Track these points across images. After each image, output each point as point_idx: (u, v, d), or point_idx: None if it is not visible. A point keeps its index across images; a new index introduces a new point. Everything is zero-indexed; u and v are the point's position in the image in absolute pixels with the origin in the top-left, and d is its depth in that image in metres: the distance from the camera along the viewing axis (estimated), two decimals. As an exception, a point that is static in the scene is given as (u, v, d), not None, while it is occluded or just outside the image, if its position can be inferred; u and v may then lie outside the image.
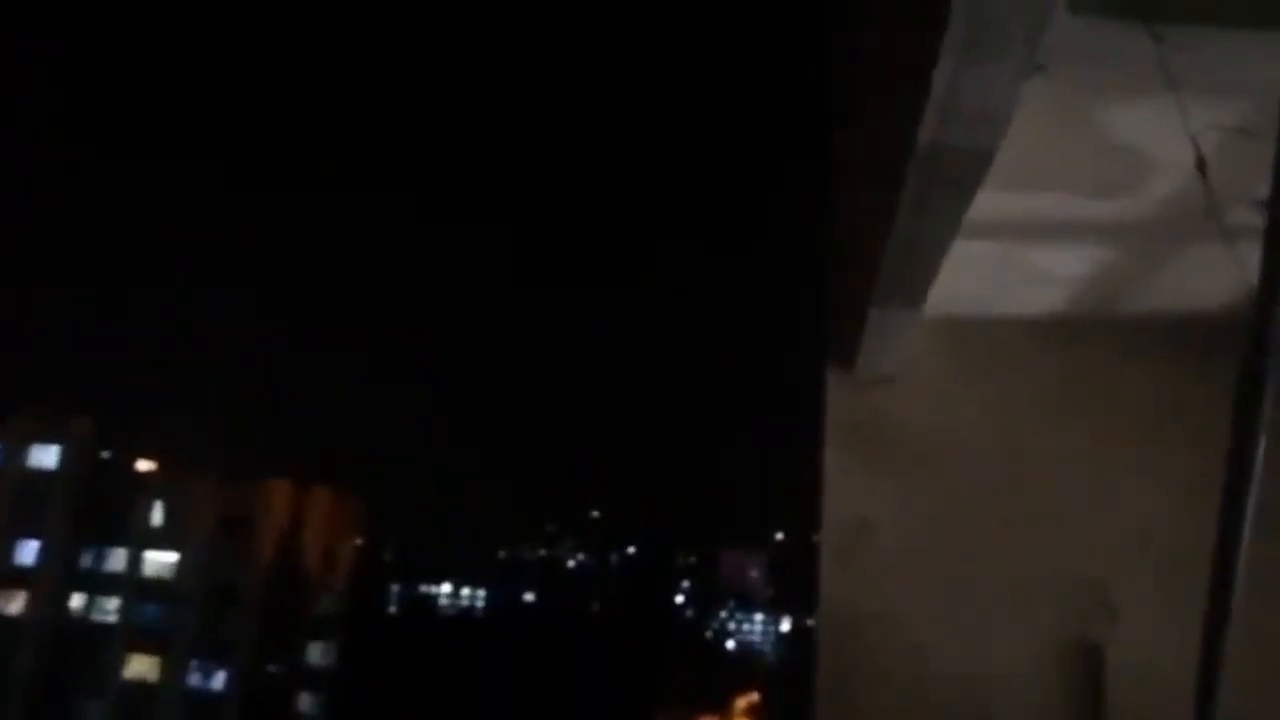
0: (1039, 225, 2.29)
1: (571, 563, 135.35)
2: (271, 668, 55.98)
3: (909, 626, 2.53)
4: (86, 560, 57.99)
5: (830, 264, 2.82)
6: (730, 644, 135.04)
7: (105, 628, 56.61)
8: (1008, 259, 2.43)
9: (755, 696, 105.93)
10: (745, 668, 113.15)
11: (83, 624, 57.06)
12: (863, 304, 2.42)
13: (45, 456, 59.41)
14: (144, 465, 61.43)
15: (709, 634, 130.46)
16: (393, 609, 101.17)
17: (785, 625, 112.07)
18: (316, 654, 58.78)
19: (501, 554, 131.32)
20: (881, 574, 2.66)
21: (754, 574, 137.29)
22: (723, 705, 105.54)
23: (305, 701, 57.37)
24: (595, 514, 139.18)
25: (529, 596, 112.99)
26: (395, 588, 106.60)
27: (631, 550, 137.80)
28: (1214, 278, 2.32)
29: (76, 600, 57.70)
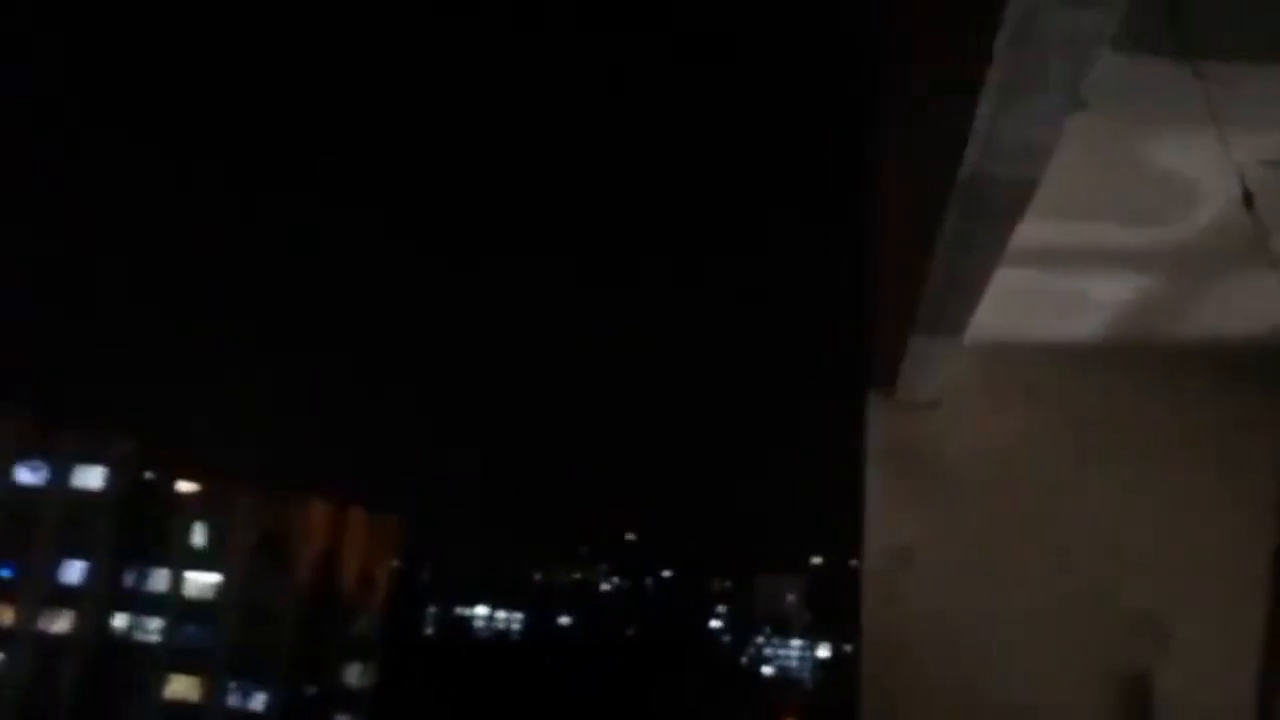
0: (1081, 253, 2.31)
1: (606, 586, 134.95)
2: (309, 688, 56.29)
3: (952, 653, 2.52)
4: (130, 580, 58.76)
5: (873, 292, 2.85)
6: (767, 670, 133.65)
7: (147, 647, 57.26)
8: (1050, 287, 2.44)
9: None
10: (783, 694, 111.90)
11: (126, 643, 57.75)
12: (904, 331, 2.44)
13: (90, 477, 60.40)
14: (186, 487, 62.23)
15: (745, 659, 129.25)
16: (429, 631, 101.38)
17: (824, 651, 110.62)
18: (354, 675, 59.05)
19: (537, 577, 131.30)
20: (923, 600, 2.65)
21: (791, 599, 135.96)
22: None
23: (342, 722, 57.65)
24: (630, 537, 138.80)
25: (564, 620, 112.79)
26: (431, 609, 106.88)
27: (667, 574, 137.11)
28: (1255, 306, 2.32)
29: (120, 620, 58.42)
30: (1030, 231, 2.12)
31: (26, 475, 60.51)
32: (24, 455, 60.68)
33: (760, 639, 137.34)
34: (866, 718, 2.63)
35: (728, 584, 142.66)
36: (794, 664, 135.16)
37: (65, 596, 58.07)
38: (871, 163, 2.73)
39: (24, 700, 54.48)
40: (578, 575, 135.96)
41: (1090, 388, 2.69)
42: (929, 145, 1.75)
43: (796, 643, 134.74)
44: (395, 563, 66.60)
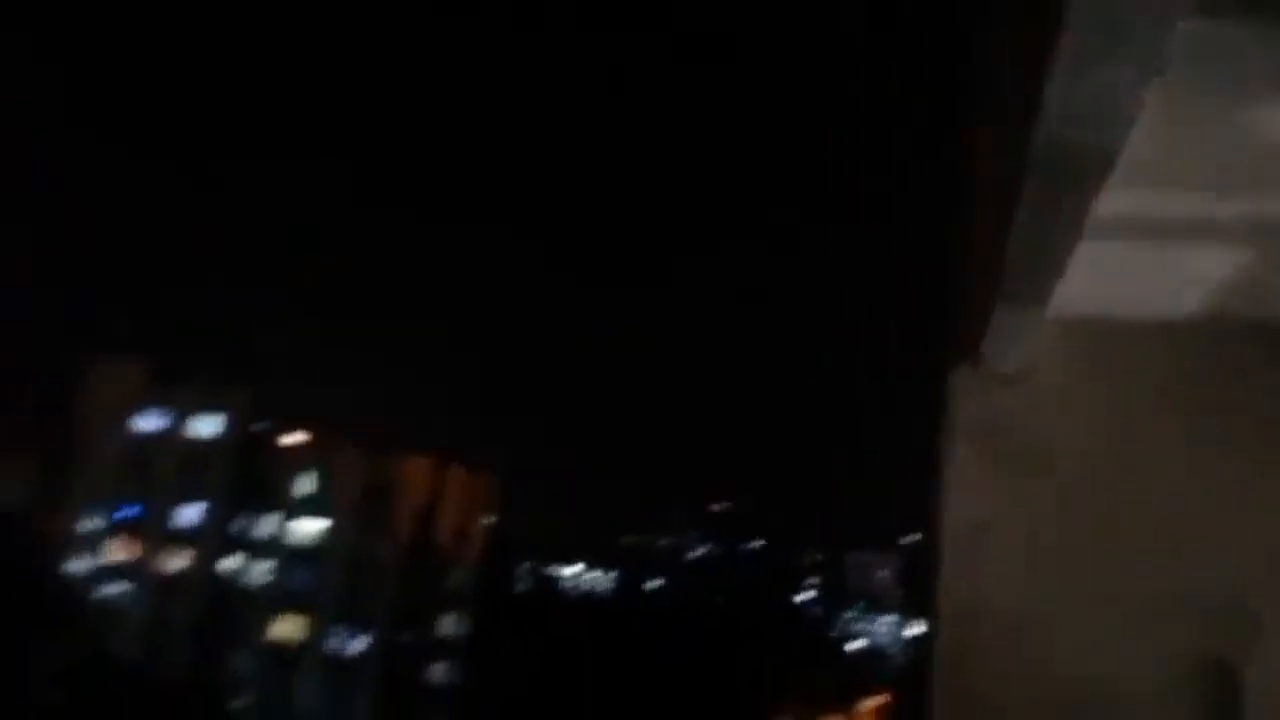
0: (1177, 226, 2.24)
1: (695, 554, 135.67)
2: (406, 636, 58.38)
3: (1030, 633, 2.50)
4: (242, 525, 61.67)
5: (957, 261, 2.81)
6: (857, 645, 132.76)
7: (256, 589, 60.15)
8: (1144, 260, 2.37)
9: (882, 700, 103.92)
10: (872, 670, 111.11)
11: (235, 584, 60.75)
12: (988, 302, 2.41)
13: (207, 426, 63.35)
14: (294, 438, 64.77)
15: (834, 634, 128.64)
16: (520, 586, 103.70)
17: (915, 629, 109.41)
18: (448, 626, 61.01)
19: (626, 541, 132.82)
20: (1001, 578, 2.63)
21: (883, 575, 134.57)
22: (847, 707, 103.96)
23: (437, 671, 59.66)
24: (720, 507, 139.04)
25: (653, 584, 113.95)
26: (523, 566, 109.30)
27: (757, 545, 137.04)
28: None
29: (232, 562, 61.42)
30: (1120, 202, 2.07)
31: (148, 423, 63.89)
32: (146, 404, 64.05)
33: (850, 614, 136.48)
34: (940, 693, 2.63)
35: (819, 558, 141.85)
36: (884, 641, 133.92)
37: (184, 538, 61.35)
38: (958, 130, 2.68)
39: (143, 632, 57.90)
40: (667, 541, 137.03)
41: (1183, 366, 2.61)
42: (1010, 112, 1.72)
43: (887, 619, 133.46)
44: (490, 519, 68.26)
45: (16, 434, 77.33)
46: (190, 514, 61.87)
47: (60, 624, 45.39)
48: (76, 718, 38.30)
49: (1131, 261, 2.41)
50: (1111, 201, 1.99)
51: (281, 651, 57.86)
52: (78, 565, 62.28)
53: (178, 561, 61.25)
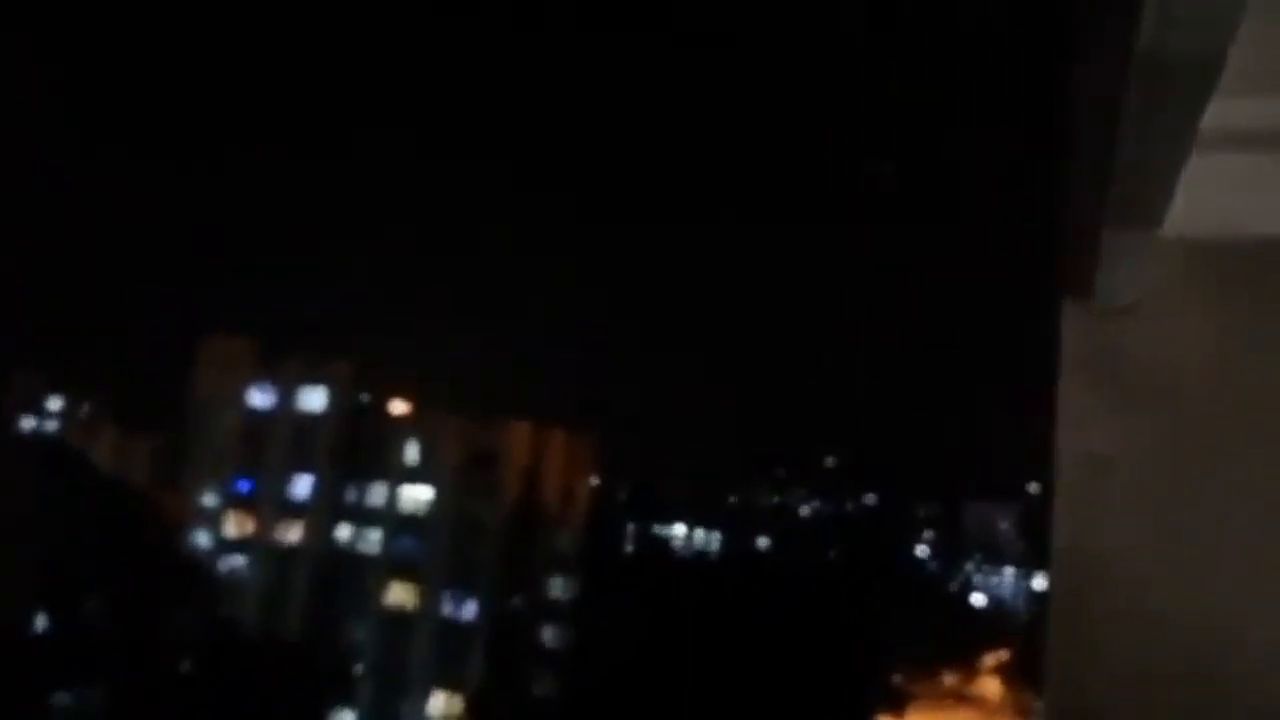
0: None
1: (805, 510, 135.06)
2: (516, 600, 59.91)
3: (1147, 571, 2.44)
4: (351, 495, 63.94)
5: (1061, 187, 2.72)
6: (978, 599, 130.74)
7: (368, 557, 62.44)
8: (1260, 172, 2.26)
9: (1005, 654, 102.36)
10: (994, 624, 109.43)
11: (349, 553, 63.16)
12: (1095, 228, 2.34)
13: (312, 399, 65.66)
14: (399, 407, 66.64)
15: (954, 588, 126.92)
16: (628, 547, 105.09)
17: (1039, 581, 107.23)
18: (558, 588, 62.33)
19: (732, 499, 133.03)
20: (1118, 515, 2.57)
21: (1004, 526, 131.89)
22: (969, 662, 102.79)
23: (547, 633, 61.12)
24: (830, 462, 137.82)
25: (762, 542, 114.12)
26: (630, 527, 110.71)
27: (869, 500, 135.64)
28: None
29: (343, 531, 63.83)
30: (1234, 111, 1.98)
31: (258, 398, 66.58)
32: (255, 380, 66.72)
33: (970, 567, 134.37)
34: (1056, 636, 2.60)
35: (935, 510, 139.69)
36: (1006, 594, 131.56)
37: (297, 510, 64.01)
38: (1056, 44, 2.58)
39: (264, 600, 60.82)
40: (775, 499, 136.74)
41: (1316, 286, 2.48)
42: (1108, 20, 1.66)
43: (1009, 572, 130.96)
44: (594, 481, 69.21)
45: (136, 415, 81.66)
46: (302, 486, 64.43)
47: (187, 596, 48.03)
48: (206, 686, 40.59)
49: (1252, 175, 2.30)
50: (1224, 112, 1.91)
51: (396, 617, 60.08)
52: (200, 539, 65.71)
53: (293, 532, 63.96)
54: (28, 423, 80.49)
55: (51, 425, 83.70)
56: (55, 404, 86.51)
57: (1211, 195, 2.29)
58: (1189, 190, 2.09)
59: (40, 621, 40.99)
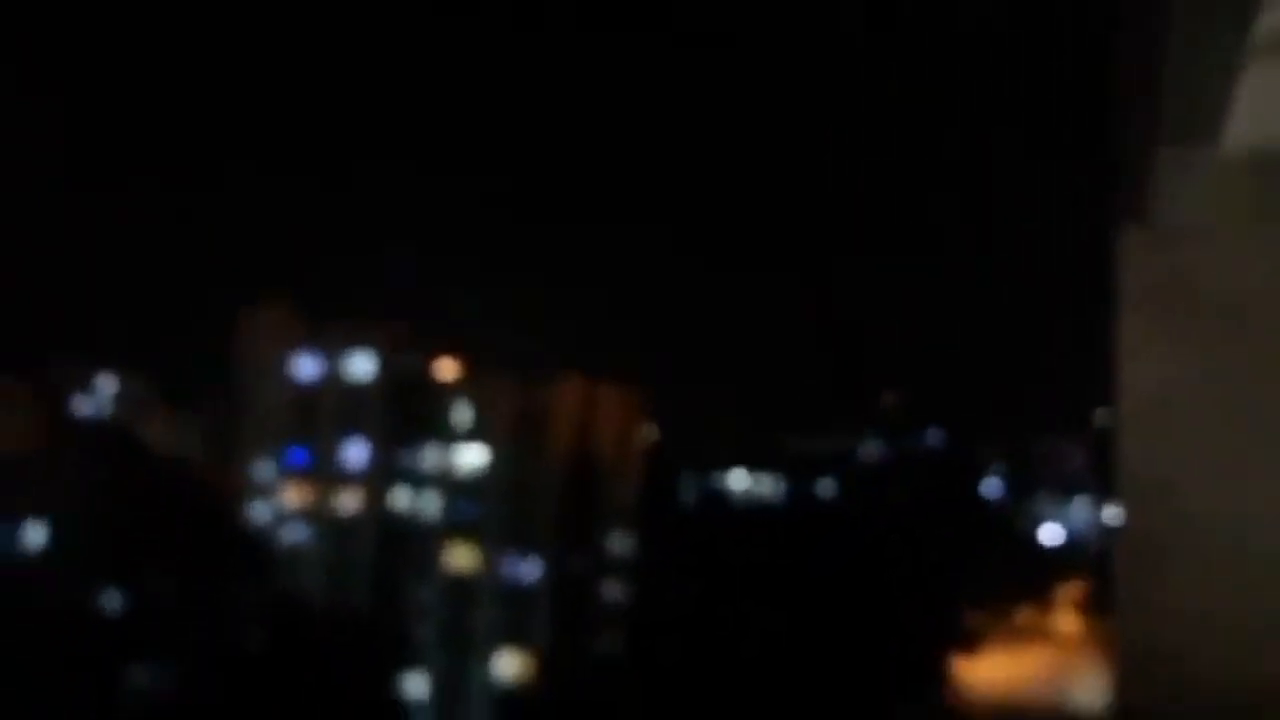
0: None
1: (867, 453, 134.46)
2: (576, 556, 60.67)
3: (1211, 498, 2.41)
4: (405, 459, 64.77)
5: (1114, 108, 2.65)
6: (1048, 534, 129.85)
7: (427, 520, 63.43)
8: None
9: (1078, 587, 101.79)
10: (1066, 560, 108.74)
11: (406, 518, 64.18)
12: (1149, 147, 2.28)
13: (361, 363, 66.26)
14: (448, 369, 67.02)
15: (1024, 526, 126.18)
16: (687, 498, 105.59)
17: (1109, 512, 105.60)
18: (617, 543, 62.95)
19: (792, 445, 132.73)
20: (1184, 445, 2.53)
21: (1074, 461, 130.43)
22: (1043, 598, 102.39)
23: (610, 589, 61.88)
24: (891, 402, 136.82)
25: (824, 487, 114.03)
26: (688, 478, 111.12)
27: (933, 439, 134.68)
28: None
29: (400, 496, 64.77)
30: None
31: (305, 366, 67.47)
32: (302, 347, 67.55)
33: (1039, 503, 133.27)
34: (1123, 565, 2.59)
35: (1001, 448, 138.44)
36: (1078, 528, 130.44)
37: (352, 476, 65.09)
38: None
39: (326, 569, 62.25)
40: (836, 442, 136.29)
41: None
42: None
43: (1080, 504, 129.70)
44: (649, 433, 69.50)
45: (185, 393, 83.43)
46: (356, 453, 65.39)
47: (250, 569, 49.39)
48: (274, 656, 41.83)
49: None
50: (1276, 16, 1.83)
51: (458, 579, 61.15)
52: (259, 512, 67.23)
53: (350, 500, 65.08)
54: (81, 408, 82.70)
55: (105, 409, 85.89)
56: (106, 387, 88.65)
57: (1270, 108, 2.21)
58: (1246, 104, 2.02)
59: (111, 601, 42.51)
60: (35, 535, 44.06)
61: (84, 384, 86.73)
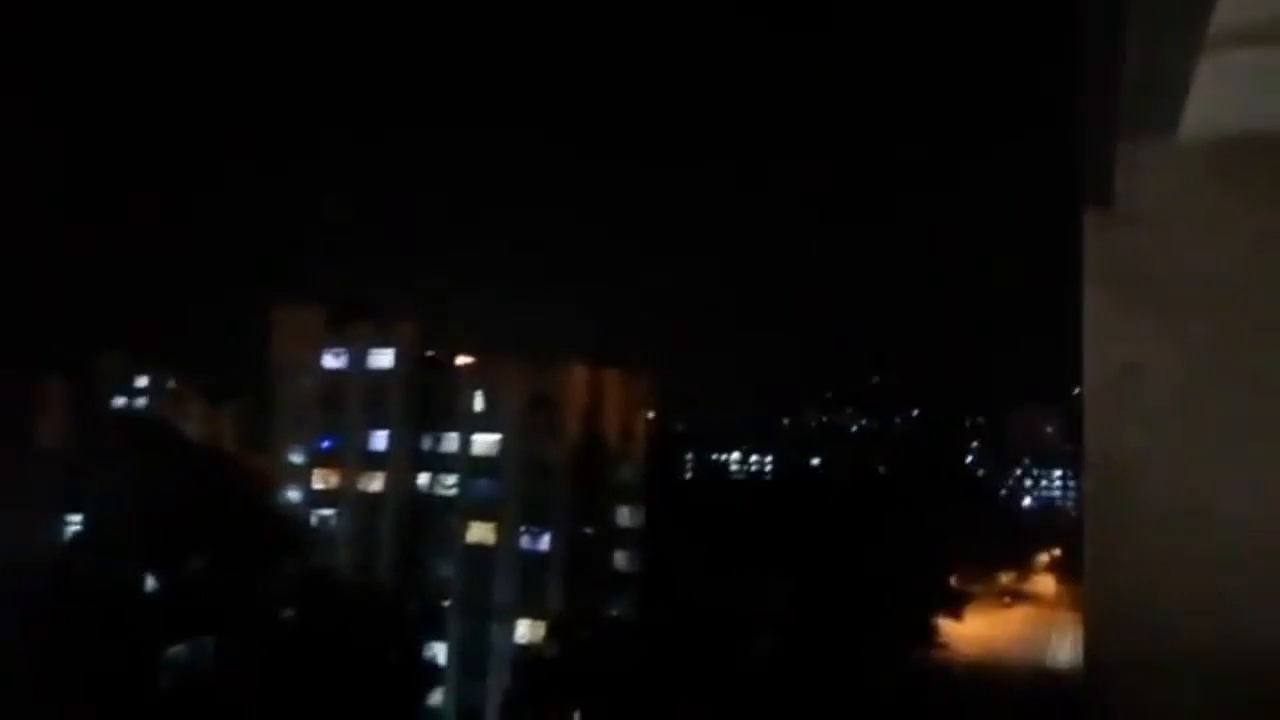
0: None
1: (854, 428, 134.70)
2: (587, 529, 60.93)
3: (1176, 471, 2.37)
4: (426, 444, 65.13)
5: (1077, 94, 2.59)
6: (1027, 502, 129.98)
7: (447, 500, 63.78)
8: (1277, 67, 2.11)
9: (1056, 552, 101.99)
10: (1044, 525, 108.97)
11: (429, 498, 64.56)
12: (1110, 135, 2.23)
13: (382, 358, 66.67)
14: (463, 359, 67.43)
15: (1003, 493, 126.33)
16: (687, 475, 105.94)
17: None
18: (624, 517, 63.24)
19: (784, 422, 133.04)
20: (1148, 421, 2.49)
21: (1050, 430, 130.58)
22: (1023, 562, 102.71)
23: (620, 558, 62.21)
24: (875, 380, 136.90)
25: (814, 461, 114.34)
26: (688, 456, 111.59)
27: (915, 413, 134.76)
28: None
29: (422, 478, 65.15)
30: (1246, 5, 1.85)
31: (331, 360, 67.76)
32: (328, 343, 67.84)
33: (1018, 471, 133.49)
34: (1091, 539, 2.55)
35: (980, 419, 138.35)
36: (1056, 495, 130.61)
37: (377, 461, 65.41)
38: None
39: (354, 548, 62.56)
40: (824, 419, 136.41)
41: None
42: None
43: (1058, 474, 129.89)
44: (651, 414, 69.62)
45: (220, 386, 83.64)
46: (380, 439, 65.75)
47: (286, 546, 49.59)
48: (307, 630, 42.01)
49: (1269, 71, 2.16)
50: (1236, 6, 1.79)
51: (477, 553, 61.49)
52: (291, 495, 67.56)
53: (376, 483, 65.46)
54: (119, 401, 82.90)
55: (142, 402, 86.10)
56: (144, 381, 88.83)
57: (1228, 94, 2.16)
58: (1204, 91, 1.97)
59: (150, 582, 42.65)
60: (78, 524, 44.23)
61: (125, 380, 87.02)
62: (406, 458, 64.73)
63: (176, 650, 40.93)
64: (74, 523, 44.15)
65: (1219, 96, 2.19)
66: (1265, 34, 2.04)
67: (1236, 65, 2.14)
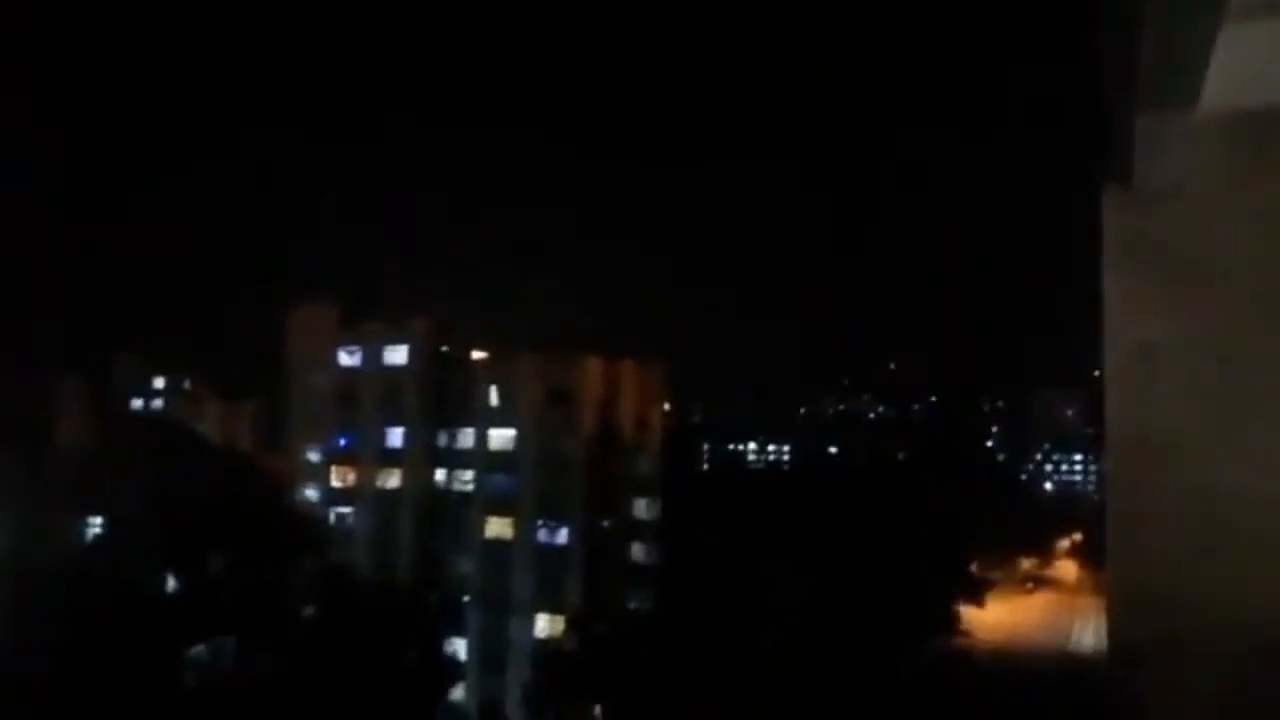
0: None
1: (872, 415, 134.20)
2: (604, 522, 60.99)
3: (1197, 450, 2.35)
4: (443, 440, 65.28)
5: (1096, 72, 2.57)
6: (1048, 486, 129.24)
7: (465, 495, 63.95)
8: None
9: (1078, 536, 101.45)
10: (1066, 509, 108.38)
11: (447, 493, 64.74)
12: (1129, 110, 2.20)
13: (396, 355, 66.81)
14: (478, 355, 67.47)
15: (1024, 477, 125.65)
16: (705, 465, 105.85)
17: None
18: (642, 509, 63.26)
19: (802, 410, 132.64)
20: (1171, 398, 2.47)
21: (1070, 414, 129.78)
22: (1044, 547, 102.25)
23: (637, 550, 62.26)
24: (892, 366, 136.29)
25: (832, 449, 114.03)
26: (705, 446, 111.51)
27: (934, 399, 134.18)
28: None
29: (439, 474, 65.34)
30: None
31: (346, 358, 67.98)
32: (343, 341, 68.07)
33: (1038, 456, 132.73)
34: (1113, 520, 2.54)
35: (999, 404, 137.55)
36: (1077, 479, 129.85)
37: (395, 457, 65.64)
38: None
39: (373, 545, 62.84)
40: (842, 406, 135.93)
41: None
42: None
43: (1079, 457, 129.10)
44: (667, 406, 69.59)
45: (237, 386, 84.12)
46: (396, 436, 65.96)
47: (305, 544, 49.82)
48: (328, 628, 42.26)
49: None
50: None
51: (496, 548, 61.66)
52: (309, 493, 67.91)
53: (393, 480, 65.71)
54: (136, 402, 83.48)
55: (159, 403, 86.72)
56: (160, 382, 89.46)
57: (1247, 68, 2.13)
58: (1224, 65, 1.94)
59: (170, 583, 42.98)
60: (98, 525, 44.60)
61: (143, 381, 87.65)
62: (423, 454, 64.92)
63: (198, 651, 41.26)
64: (94, 524, 44.53)
65: (1239, 70, 2.16)
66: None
67: (1256, 38, 2.12)
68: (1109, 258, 2.62)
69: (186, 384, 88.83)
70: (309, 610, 44.36)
